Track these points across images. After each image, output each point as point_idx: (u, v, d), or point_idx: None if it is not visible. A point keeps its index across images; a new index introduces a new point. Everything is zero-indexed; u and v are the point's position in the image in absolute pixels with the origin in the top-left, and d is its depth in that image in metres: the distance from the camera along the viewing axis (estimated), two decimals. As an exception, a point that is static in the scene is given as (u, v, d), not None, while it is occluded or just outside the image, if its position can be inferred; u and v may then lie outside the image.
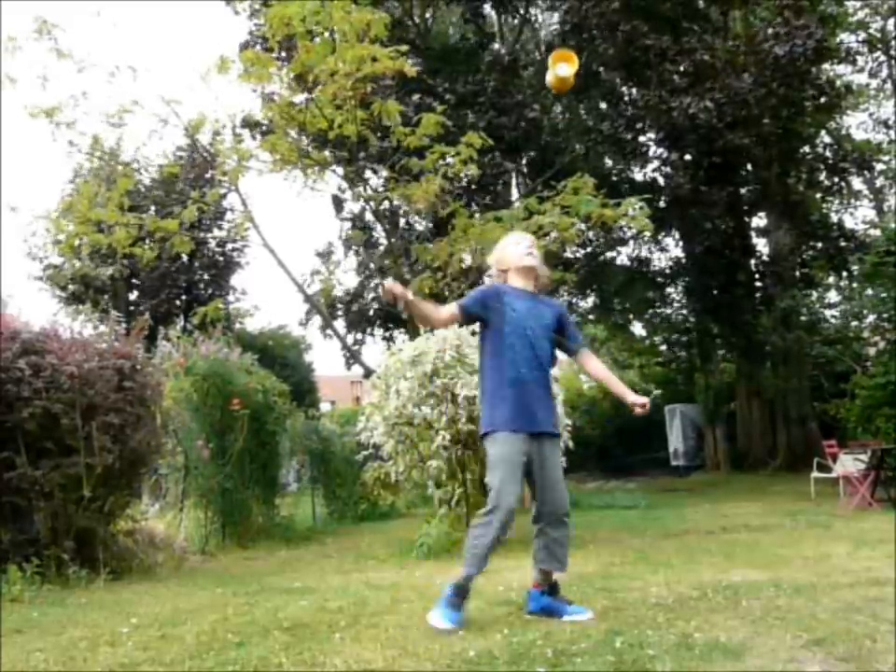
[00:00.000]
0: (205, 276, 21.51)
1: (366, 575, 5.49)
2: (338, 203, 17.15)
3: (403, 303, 3.57)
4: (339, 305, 18.56)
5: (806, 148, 18.30)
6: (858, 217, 24.00)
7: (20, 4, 12.29)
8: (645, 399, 3.78)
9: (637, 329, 25.83)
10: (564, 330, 3.88)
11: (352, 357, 16.29)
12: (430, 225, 15.19)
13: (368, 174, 15.06)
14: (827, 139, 19.81)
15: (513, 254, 3.89)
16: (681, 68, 14.34)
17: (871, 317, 16.77)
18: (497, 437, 3.64)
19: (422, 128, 9.82)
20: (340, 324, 18.73)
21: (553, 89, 4.77)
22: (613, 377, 4.01)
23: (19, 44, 8.85)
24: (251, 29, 16.16)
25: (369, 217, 17.31)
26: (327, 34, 9.21)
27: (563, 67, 4.48)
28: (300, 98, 10.28)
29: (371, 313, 18.98)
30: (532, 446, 3.63)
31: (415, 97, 13.59)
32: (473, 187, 14.21)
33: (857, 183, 21.67)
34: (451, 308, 3.86)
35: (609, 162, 18.71)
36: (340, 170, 12.58)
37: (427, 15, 17.69)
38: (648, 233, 16.28)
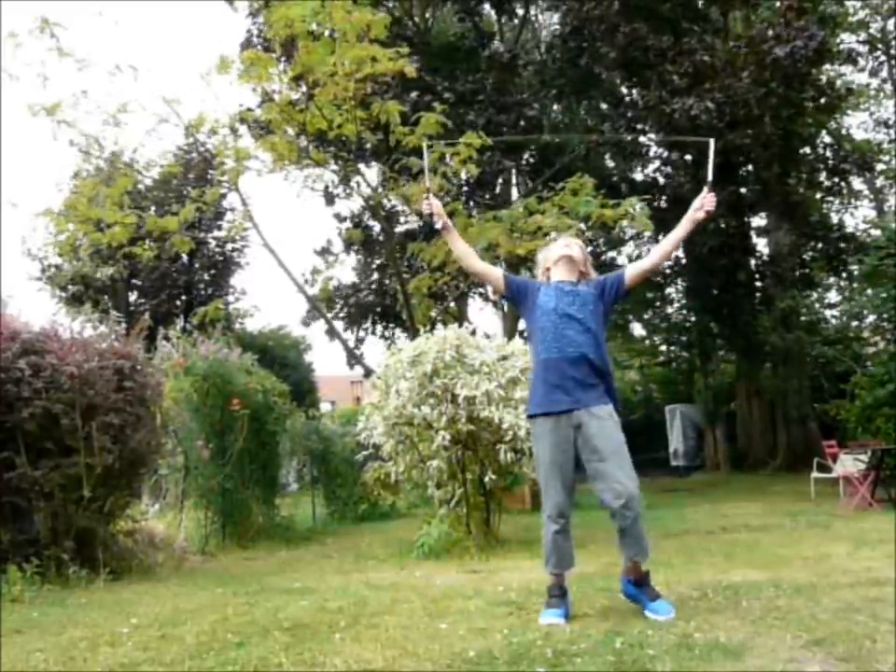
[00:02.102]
0: (205, 276, 21.52)
1: (366, 575, 5.48)
2: (329, 197, 17.13)
3: (441, 223, 3.68)
4: (338, 302, 18.57)
5: (807, 149, 18.29)
6: (858, 218, 24.00)
7: (20, 4, 12.29)
8: (707, 199, 3.76)
9: (637, 329, 25.87)
10: (604, 291, 3.83)
11: (353, 357, 16.29)
12: (421, 223, 15.17)
13: (363, 170, 15.03)
14: (827, 139, 19.80)
15: (551, 251, 3.97)
16: (682, 69, 14.33)
17: (871, 317, 16.79)
18: (534, 422, 3.76)
19: (421, 127, 9.81)
20: (339, 324, 18.73)
21: None
22: (666, 241, 3.97)
23: (20, 41, 8.84)
24: (251, 29, 16.16)
25: (367, 214, 17.33)
26: (327, 34, 9.20)
27: None
28: (299, 98, 10.27)
29: (370, 311, 18.99)
30: (572, 426, 3.61)
31: (413, 94, 13.58)
32: (471, 180, 14.19)
33: (857, 183, 21.69)
34: (497, 270, 3.99)
35: (609, 163, 18.74)
36: (334, 165, 12.57)
37: (427, 14, 17.69)
38: (648, 233, 16.30)
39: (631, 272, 3.93)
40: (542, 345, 3.70)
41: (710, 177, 3.80)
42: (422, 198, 3.72)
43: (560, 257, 3.85)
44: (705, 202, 3.78)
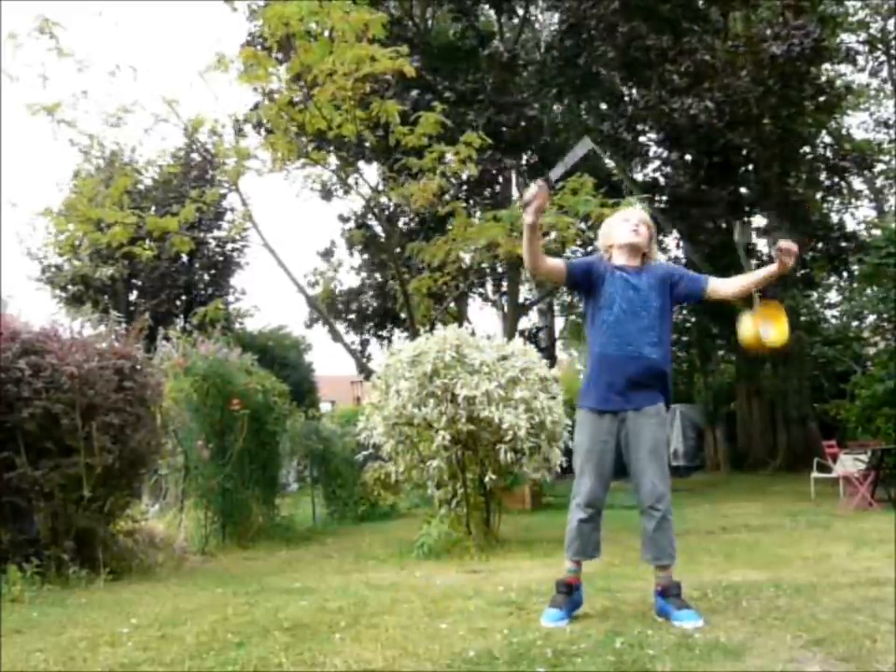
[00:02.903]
0: (205, 276, 21.52)
1: (366, 575, 5.48)
2: (327, 193, 17.12)
3: (533, 215, 3.35)
4: (340, 307, 18.58)
5: (806, 148, 18.29)
6: (858, 217, 23.97)
7: (20, 4, 12.29)
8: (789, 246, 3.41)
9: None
10: (675, 287, 3.66)
11: (360, 366, 16.29)
12: (418, 222, 15.16)
13: (362, 168, 15.03)
14: (827, 139, 19.81)
15: (618, 231, 3.74)
16: (681, 68, 14.33)
17: (871, 317, 16.79)
18: (581, 415, 3.65)
19: (421, 127, 9.82)
20: (341, 327, 18.73)
21: (746, 345, 3.73)
22: (749, 276, 3.75)
23: (20, 42, 8.84)
24: (250, 30, 16.16)
25: (369, 215, 17.32)
26: (325, 33, 9.21)
27: (769, 331, 3.60)
28: (299, 98, 10.28)
29: (371, 311, 18.99)
30: (618, 425, 3.55)
31: (414, 93, 13.58)
32: (471, 179, 14.18)
33: (857, 183, 21.69)
34: (559, 262, 3.79)
35: (609, 163, 18.71)
36: (334, 165, 12.57)
37: (427, 14, 17.69)
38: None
39: (714, 286, 3.69)
40: (601, 339, 3.59)
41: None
42: (536, 185, 3.40)
43: (624, 244, 3.67)
44: (790, 247, 3.44)
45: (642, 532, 3.57)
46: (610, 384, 3.55)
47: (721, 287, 3.72)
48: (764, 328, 3.65)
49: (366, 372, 17.05)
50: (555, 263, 3.76)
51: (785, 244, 3.45)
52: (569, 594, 3.57)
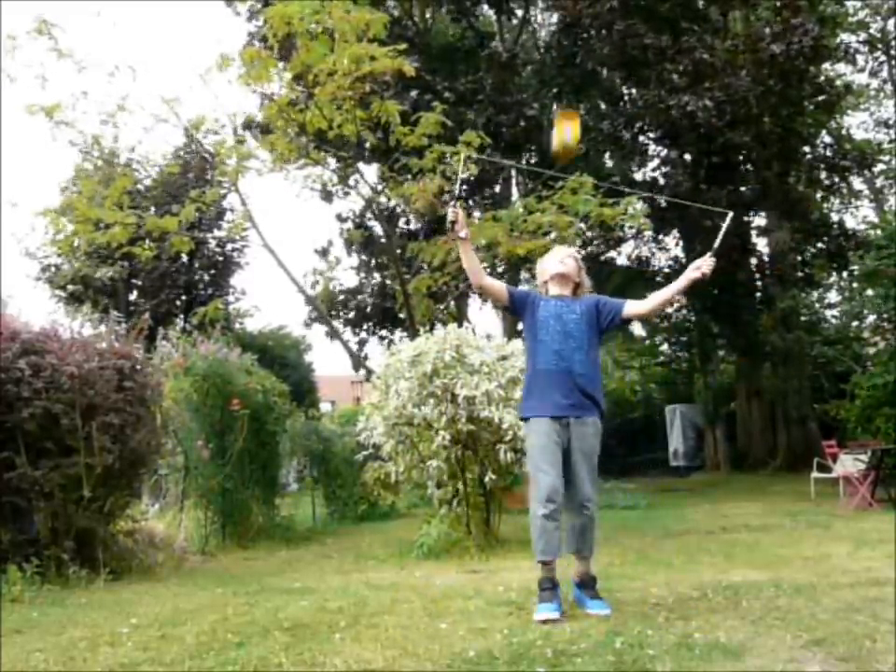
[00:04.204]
0: (205, 276, 21.51)
1: (366, 575, 5.48)
2: (327, 194, 17.11)
3: (461, 234, 3.90)
4: (339, 306, 18.56)
5: (806, 148, 18.29)
6: (858, 217, 23.97)
7: (20, 4, 12.29)
8: (707, 262, 3.97)
9: (637, 329, 25.83)
10: (600, 314, 4.12)
11: (358, 363, 16.28)
12: (417, 222, 15.15)
13: (363, 169, 15.02)
14: (827, 139, 19.79)
15: (549, 264, 4.24)
16: (680, 67, 14.32)
17: (871, 317, 16.78)
18: (531, 423, 3.99)
19: (421, 127, 9.81)
20: (339, 323, 18.70)
21: (557, 158, 4.73)
22: (662, 293, 4.22)
23: (18, 43, 8.85)
24: (251, 30, 16.17)
25: (368, 215, 17.32)
26: (326, 33, 9.20)
27: (568, 131, 4.33)
28: (299, 97, 10.28)
29: (370, 311, 18.97)
30: (561, 431, 3.91)
31: (414, 93, 13.58)
32: (472, 178, 14.18)
33: (857, 183, 21.68)
34: (501, 285, 4.29)
35: (609, 163, 18.71)
36: (333, 164, 12.56)
37: (427, 14, 17.69)
38: (648, 232, 16.30)
39: (630, 309, 4.15)
40: (540, 357, 4.01)
41: (716, 246, 4.05)
42: (449, 205, 4.00)
43: (554, 274, 4.16)
44: (704, 264, 3.97)
45: (570, 526, 3.93)
46: (552, 394, 3.95)
47: (637, 308, 4.20)
48: (568, 131, 4.36)
49: (359, 368, 17.09)
50: (499, 285, 4.28)
51: (700, 262, 3.96)
52: (553, 588, 3.79)
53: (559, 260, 4.21)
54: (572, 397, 3.93)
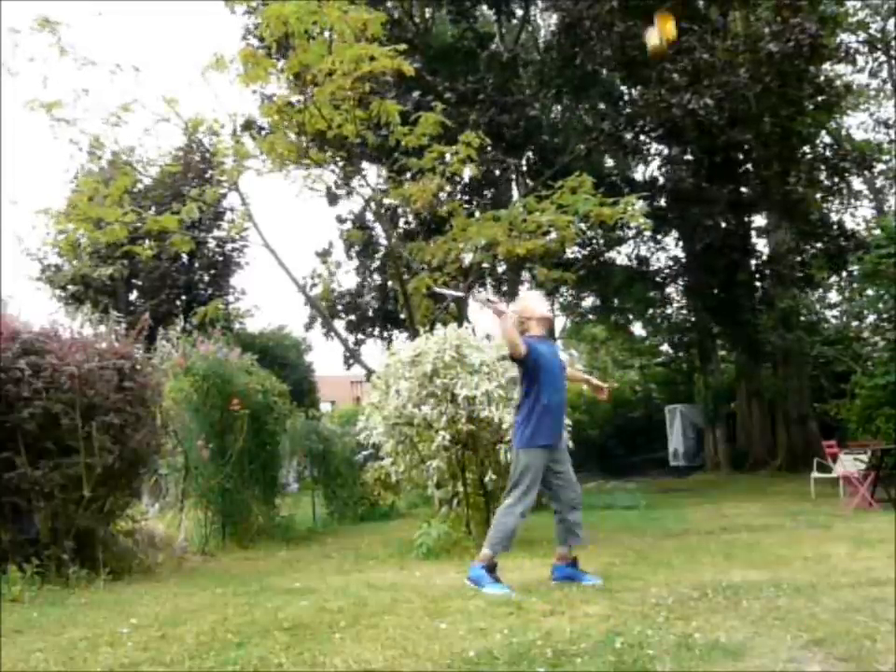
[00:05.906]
0: (205, 276, 21.51)
1: (366, 575, 5.49)
2: (332, 197, 17.10)
3: (504, 316, 4.55)
4: (339, 306, 18.55)
5: (806, 148, 18.29)
6: (858, 217, 23.95)
7: (20, 4, 12.29)
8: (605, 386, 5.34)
9: (637, 329, 25.86)
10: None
11: (352, 357, 16.28)
12: (417, 222, 15.13)
13: (364, 169, 15.00)
14: (827, 139, 19.79)
15: (539, 306, 4.93)
16: (680, 67, 14.30)
17: (871, 317, 16.78)
18: (534, 452, 4.61)
19: (421, 127, 9.81)
20: (339, 324, 18.70)
21: (653, 54, 5.30)
22: (585, 377, 5.63)
23: (20, 40, 8.83)
24: (247, 26, 16.10)
25: (368, 216, 17.31)
26: (324, 33, 9.19)
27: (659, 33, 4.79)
28: (298, 98, 10.27)
29: (371, 313, 18.97)
30: (551, 454, 4.67)
31: (415, 94, 13.56)
32: (472, 178, 14.17)
33: (857, 183, 21.66)
34: (522, 341, 4.75)
35: (609, 162, 18.70)
36: (336, 167, 12.55)
37: (427, 14, 17.68)
38: (648, 232, 16.30)
39: (571, 373, 5.27)
40: (547, 391, 4.64)
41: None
42: (485, 298, 4.90)
43: (542, 318, 4.85)
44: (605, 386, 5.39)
45: (570, 522, 4.71)
46: (553, 425, 4.70)
47: (575, 375, 5.59)
48: (659, 33, 5.04)
49: (352, 363, 17.08)
50: (521, 344, 4.73)
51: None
52: (494, 570, 4.54)
53: (547, 305, 5.02)
54: (562, 424, 4.82)
